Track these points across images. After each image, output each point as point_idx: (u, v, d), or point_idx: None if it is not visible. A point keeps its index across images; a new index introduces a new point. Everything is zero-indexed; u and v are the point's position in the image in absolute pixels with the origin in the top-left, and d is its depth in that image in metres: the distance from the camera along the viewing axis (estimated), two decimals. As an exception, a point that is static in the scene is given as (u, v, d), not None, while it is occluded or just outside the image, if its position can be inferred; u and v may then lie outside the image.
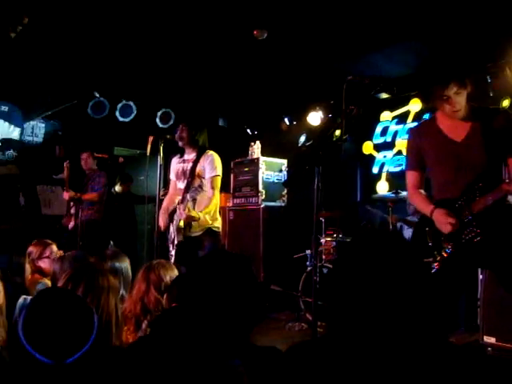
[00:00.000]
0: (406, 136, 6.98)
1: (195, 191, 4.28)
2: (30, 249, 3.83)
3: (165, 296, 2.48)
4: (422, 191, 3.09)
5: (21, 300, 2.84)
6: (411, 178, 3.12)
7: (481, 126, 2.82)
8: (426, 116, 6.84)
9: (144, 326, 2.44)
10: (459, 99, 2.80)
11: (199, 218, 4.51)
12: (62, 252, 3.81)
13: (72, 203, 6.41)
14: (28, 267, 3.68)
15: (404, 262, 1.20)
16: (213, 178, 4.58)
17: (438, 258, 2.82)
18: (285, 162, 7.40)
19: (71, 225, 6.44)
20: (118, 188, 7.53)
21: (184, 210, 4.39)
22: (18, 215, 6.96)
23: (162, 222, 4.74)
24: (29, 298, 2.88)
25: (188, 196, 4.37)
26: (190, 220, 4.49)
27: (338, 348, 1.19)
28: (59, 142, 7.88)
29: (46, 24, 5.24)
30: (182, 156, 4.80)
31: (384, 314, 1.16)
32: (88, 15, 5.12)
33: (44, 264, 3.77)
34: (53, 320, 1.52)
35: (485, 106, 3.15)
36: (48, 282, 3.55)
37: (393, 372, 1.12)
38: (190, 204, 4.40)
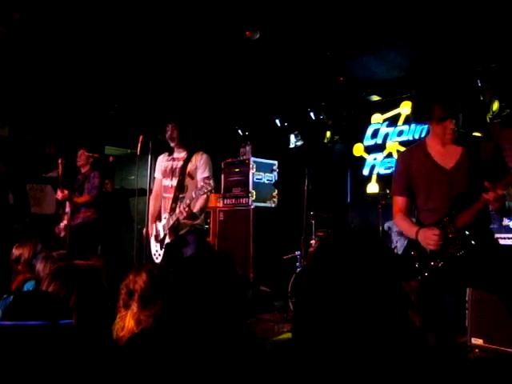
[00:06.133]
0: (397, 138, 7.08)
1: (202, 189, 4.21)
2: (20, 250, 3.75)
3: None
4: (408, 216, 3.09)
5: (4, 300, 2.82)
6: (398, 203, 3.12)
7: (469, 156, 2.84)
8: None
9: (135, 307, 2.47)
10: (454, 123, 2.83)
11: (198, 217, 4.50)
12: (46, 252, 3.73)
13: (67, 202, 6.28)
14: (16, 268, 3.62)
15: (375, 259, 1.20)
16: (205, 180, 4.56)
17: (426, 275, 2.84)
18: (275, 162, 7.41)
19: (64, 224, 6.28)
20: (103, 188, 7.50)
21: (185, 208, 4.33)
22: (6, 214, 6.91)
23: (151, 230, 4.68)
24: (11, 296, 2.86)
25: (193, 194, 4.29)
26: (190, 218, 4.46)
27: (310, 348, 1.19)
28: (49, 140, 7.85)
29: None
30: (170, 154, 4.77)
31: (354, 314, 1.16)
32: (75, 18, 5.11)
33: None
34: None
35: (475, 135, 3.20)
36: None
37: (363, 373, 1.12)
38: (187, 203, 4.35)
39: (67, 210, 6.22)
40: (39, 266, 3.24)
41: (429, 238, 2.82)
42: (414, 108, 3.26)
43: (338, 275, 1.18)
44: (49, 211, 7.82)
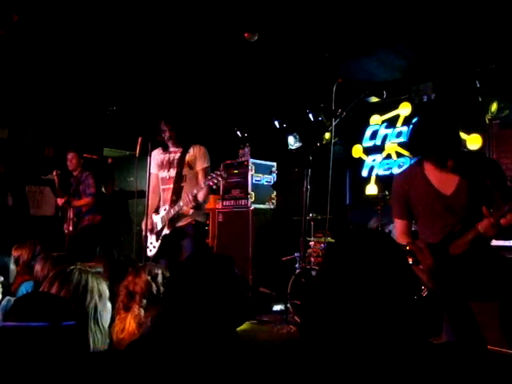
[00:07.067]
0: (395, 139, 7.07)
1: (211, 180, 4.21)
2: (19, 252, 3.73)
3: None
4: (408, 237, 3.07)
5: (4, 302, 2.80)
6: (399, 226, 3.10)
7: (468, 180, 2.80)
8: (415, 120, 6.89)
9: (136, 309, 2.45)
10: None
11: (202, 205, 4.50)
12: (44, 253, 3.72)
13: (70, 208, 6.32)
14: (15, 270, 3.60)
15: (389, 261, 1.20)
16: (205, 170, 4.59)
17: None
18: (274, 164, 7.41)
19: (70, 229, 6.32)
20: (104, 190, 7.50)
21: (191, 199, 4.27)
22: (5, 215, 6.90)
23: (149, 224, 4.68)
24: (12, 299, 2.85)
25: (202, 184, 4.30)
26: (195, 208, 4.41)
27: (319, 348, 1.20)
28: (48, 142, 7.85)
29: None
30: (165, 149, 4.76)
31: (365, 315, 1.16)
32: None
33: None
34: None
35: (473, 152, 3.10)
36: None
37: (370, 372, 1.12)
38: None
39: (71, 215, 6.25)
40: (38, 267, 3.23)
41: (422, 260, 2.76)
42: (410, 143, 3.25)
43: (352, 276, 1.18)
44: (48, 213, 7.82)
